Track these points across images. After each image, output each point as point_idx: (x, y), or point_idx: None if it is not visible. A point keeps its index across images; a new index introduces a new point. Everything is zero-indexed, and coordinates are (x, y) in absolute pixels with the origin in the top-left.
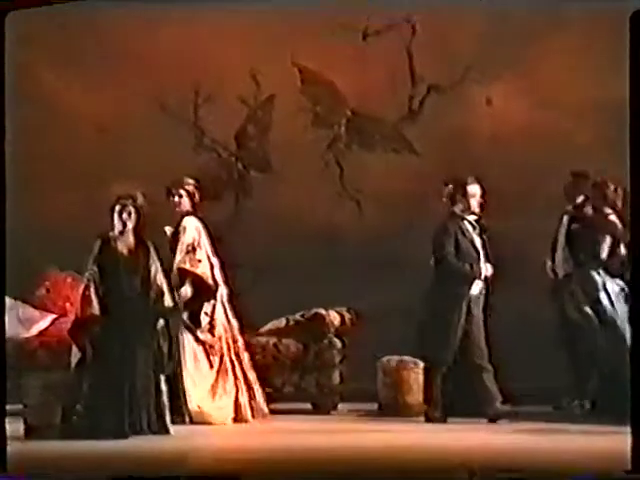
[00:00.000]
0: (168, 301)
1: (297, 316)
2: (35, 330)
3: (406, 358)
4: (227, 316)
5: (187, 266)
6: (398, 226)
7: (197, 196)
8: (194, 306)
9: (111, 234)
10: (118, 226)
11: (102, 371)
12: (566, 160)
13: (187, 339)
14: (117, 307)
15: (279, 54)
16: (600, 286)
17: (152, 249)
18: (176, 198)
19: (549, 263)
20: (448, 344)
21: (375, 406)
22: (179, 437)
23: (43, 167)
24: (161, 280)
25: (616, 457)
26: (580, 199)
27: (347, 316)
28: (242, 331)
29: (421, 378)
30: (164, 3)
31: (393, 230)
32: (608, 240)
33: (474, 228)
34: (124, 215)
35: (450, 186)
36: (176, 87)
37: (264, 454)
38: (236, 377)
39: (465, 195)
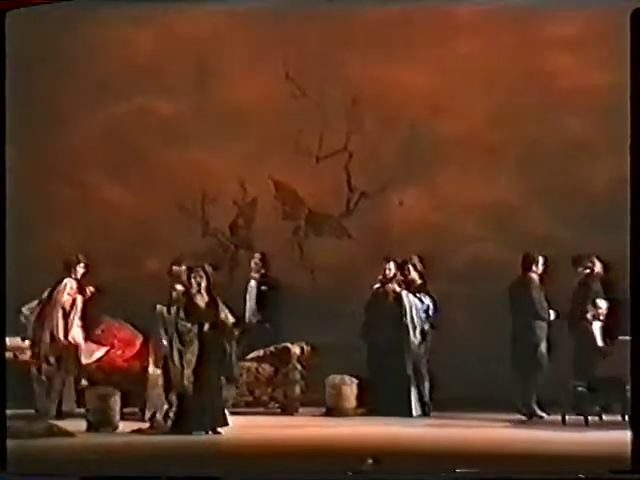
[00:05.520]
0: (236, 332)
1: (271, 348)
2: (94, 358)
3: (345, 376)
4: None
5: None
6: (339, 288)
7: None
8: None
9: (192, 292)
10: (195, 286)
11: (198, 382)
12: (453, 246)
13: None
14: (202, 341)
15: (260, 171)
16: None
17: (220, 302)
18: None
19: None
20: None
21: (324, 410)
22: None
23: (99, 252)
24: (231, 320)
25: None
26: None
27: (306, 348)
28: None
29: (355, 390)
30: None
31: (336, 291)
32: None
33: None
34: (197, 278)
35: (525, 259)
36: (189, 192)
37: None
38: None
39: (537, 264)
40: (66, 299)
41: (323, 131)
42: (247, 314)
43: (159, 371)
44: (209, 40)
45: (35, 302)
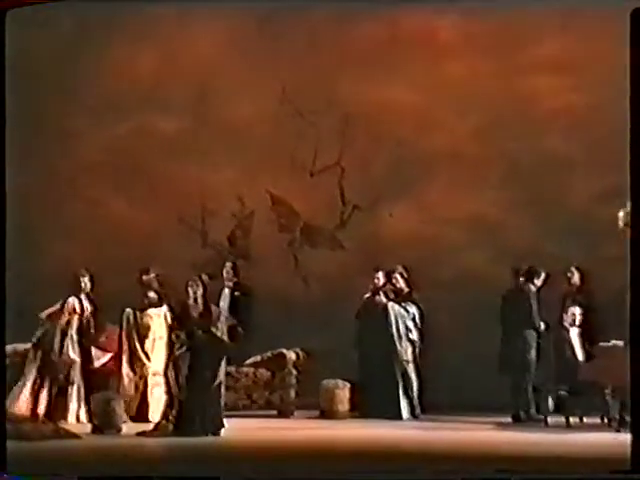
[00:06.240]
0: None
1: (268, 354)
2: (98, 364)
3: (338, 381)
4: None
5: None
6: (331, 296)
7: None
8: None
9: (188, 302)
10: (192, 296)
11: (192, 387)
12: (440, 256)
13: None
14: (194, 350)
15: (257, 185)
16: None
17: (215, 310)
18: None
19: None
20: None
21: (318, 412)
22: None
23: (103, 262)
24: (224, 329)
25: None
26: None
27: (300, 354)
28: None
29: (347, 394)
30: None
31: (330, 299)
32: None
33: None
34: (193, 287)
35: (528, 271)
36: (189, 206)
37: (246, 444)
38: None
39: (538, 277)
40: (66, 319)
41: (317, 148)
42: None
43: (132, 374)
44: (209, 61)
45: (57, 306)
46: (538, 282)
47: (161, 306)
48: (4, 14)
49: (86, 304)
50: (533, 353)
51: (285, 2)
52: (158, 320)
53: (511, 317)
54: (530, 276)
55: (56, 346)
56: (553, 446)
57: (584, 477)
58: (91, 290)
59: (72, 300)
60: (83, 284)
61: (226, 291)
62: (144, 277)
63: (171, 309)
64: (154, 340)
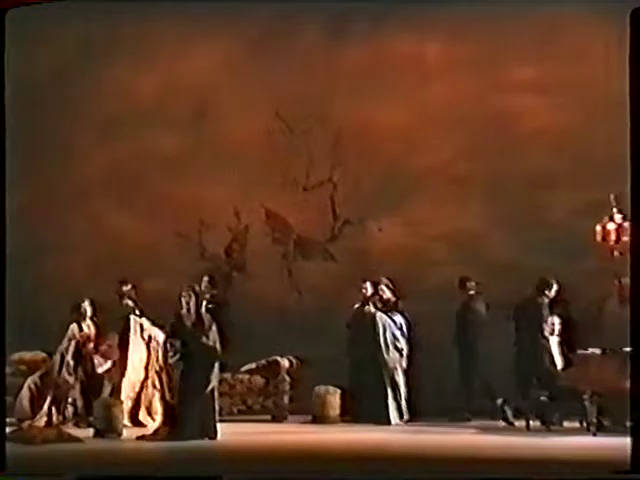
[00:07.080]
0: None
1: (262, 361)
2: (101, 370)
3: (329, 387)
4: None
5: None
6: (325, 306)
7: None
8: None
9: (182, 312)
10: (185, 307)
11: (185, 393)
12: (426, 268)
13: None
14: (188, 356)
15: (252, 200)
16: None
17: (206, 320)
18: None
19: None
20: None
21: (310, 417)
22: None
23: (105, 274)
24: (216, 338)
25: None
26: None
27: (294, 361)
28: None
29: (338, 400)
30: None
31: (322, 309)
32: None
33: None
34: (186, 297)
35: (541, 281)
36: (188, 221)
37: (242, 447)
38: None
39: (550, 290)
40: (65, 346)
41: (310, 164)
42: None
43: (128, 380)
44: (206, 81)
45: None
46: (550, 293)
47: (142, 316)
48: (4, 14)
49: (88, 328)
50: (547, 360)
51: (279, 23)
52: (148, 328)
53: (525, 327)
54: (542, 288)
55: (56, 368)
56: (535, 449)
57: (583, 478)
58: (94, 315)
59: (73, 327)
60: (83, 309)
61: (204, 303)
62: (123, 288)
63: (150, 319)
64: (149, 347)
